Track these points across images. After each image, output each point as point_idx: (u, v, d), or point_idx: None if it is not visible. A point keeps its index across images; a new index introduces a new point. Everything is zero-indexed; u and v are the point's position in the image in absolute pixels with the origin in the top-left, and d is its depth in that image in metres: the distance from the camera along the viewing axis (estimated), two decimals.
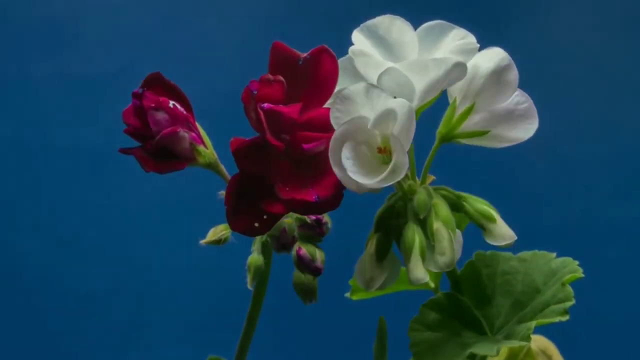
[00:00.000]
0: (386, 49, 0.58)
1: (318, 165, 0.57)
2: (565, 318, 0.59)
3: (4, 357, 1.39)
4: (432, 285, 0.74)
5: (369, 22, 0.59)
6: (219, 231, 0.63)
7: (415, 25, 0.60)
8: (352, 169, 0.54)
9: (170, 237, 1.40)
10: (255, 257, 0.64)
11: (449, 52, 0.57)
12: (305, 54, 0.58)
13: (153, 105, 0.59)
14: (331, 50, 0.59)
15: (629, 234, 1.39)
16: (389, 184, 0.54)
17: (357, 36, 0.58)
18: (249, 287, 0.64)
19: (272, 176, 0.57)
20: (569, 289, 0.60)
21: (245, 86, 0.57)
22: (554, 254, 0.64)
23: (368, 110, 0.55)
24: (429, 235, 0.57)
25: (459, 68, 0.56)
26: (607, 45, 1.44)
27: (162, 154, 0.59)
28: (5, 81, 1.44)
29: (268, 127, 0.56)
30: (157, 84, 0.61)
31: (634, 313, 1.35)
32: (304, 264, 0.63)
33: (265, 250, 0.65)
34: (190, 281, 1.40)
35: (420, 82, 0.56)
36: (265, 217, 0.56)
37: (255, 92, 0.56)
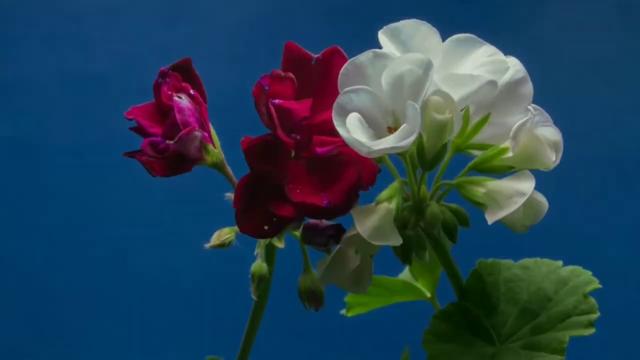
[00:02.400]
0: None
1: (331, 170, 0.55)
2: (592, 331, 0.58)
3: (2, 356, 1.37)
4: (428, 295, 0.73)
5: (393, 25, 0.57)
6: (224, 235, 0.61)
7: None
8: (356, 133, 0.52)
9: (171, 237, 1.39)
10: (258, 265, 0.62)
11: (479, 67, 0.56)
12: (317, 55, 0.58)
13: (175, 91, 0.58)
14: (343, 51, 0.58)
15: (628, 235, 1.37)
16: (399, 144, 0.51)
17: (381, 38, 0.56)
18: (253, 297, 0.63)
19: (283, 176, 0.55)
20: (593, 301, 0.59)
21: (257, 81, 0.56)
22: (560, 262, 0.63)
23: (376, 81, 0.53)
24: (480, 200, 0.55)
25: (491, 86, 0.54)
26: (607, 46, 1.43)
27: (171, 154, 0.58)
28: (6, 81, 1.43)
29: (279, 122, 0.55)
30: (182, 71, 0.60)
31: (635, 314, 1.34)
32: (316, 230, 0.60)
33: (268, 255, 0.63)
34: (190, 281, 1.38)
35: (454, 94, 0.54)
36: (274, 219, 0.55)
37: (267, 88, 0.55)
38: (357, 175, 0.55)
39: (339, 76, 0.54)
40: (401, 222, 0.56)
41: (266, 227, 0.55)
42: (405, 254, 0.57)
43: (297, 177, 0.55)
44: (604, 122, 1.36)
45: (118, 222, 1.40)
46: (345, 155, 0.55)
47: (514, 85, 0.56)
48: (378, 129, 0.54)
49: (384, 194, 0.56)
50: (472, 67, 0.56)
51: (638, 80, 1.42)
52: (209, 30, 1.44)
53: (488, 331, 0.61)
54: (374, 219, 0.55)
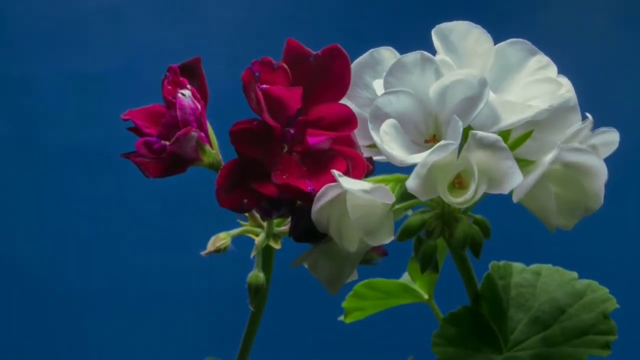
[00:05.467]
0: (456, 57, 0.54)
1: (320, 162, 0.55)
2: (608, 352, 0.57)
3: (3, 356, 1.36)
4: (426, 297, 0.71)
5: (443, 25, 0.55)
6: (219, 240, 0.61)
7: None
8: (389, 143, 0.51)
9: (170, 237, 1.38)
10: (255, 276, 0.61)
11: (532, 85, 0.54)
12: (317, 52, 0.57)
13: (174, 85, 0.58)
14: (343, 50, 0.57)
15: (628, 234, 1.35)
16: (432, 160, 0.50)
17: (433, 36, 0.55)
18: (251, 307, 0.62)
19: (271, 163, 0.55)
20: (613, 322, 0.58)
21: (247, 67, 0.55)
22: (575, 274, 0.61)
23: (422, 84, 0.52)
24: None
25: (544, 113, 0.52)
26: (606, 44, 1.42)
27: (168, 155, 0.57)
28: (6, 80, 1.42)
29: (267, 108, 0.54)
30: (189, 69, 0.59)
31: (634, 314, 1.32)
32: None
33: (266, 257, 0.62)
34: (189, 281, 1.37)
35: (508, 119, 0.52)
36: (255, 195, 0.55)
37: (258, 74, 0.55)
38: (345, 169, 0.54)
39: (385, 75, 0.53)
40: (426, 230, 0.55)
41: (245, 200, 0.54)
42: (425, 262, 0.55)
43: (286, 167, 0.55)
44: (607, 118, 1.34)
45: (117, 221, 1.39)
46: (338, 150, 0.55)
47: (563, 111, 0.55)
48: (415, 134, 0.53)
49: (377, 177, 0.55)
50: (525, 83, 0.54)
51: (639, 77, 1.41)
52: (210, 31, 1.44)
53: (497, 338, 0.60)
54: (363, 184, 0.53)
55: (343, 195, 0.52)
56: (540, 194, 0.52)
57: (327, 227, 0.54)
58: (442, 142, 0.50)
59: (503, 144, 0.50)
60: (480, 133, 0.50)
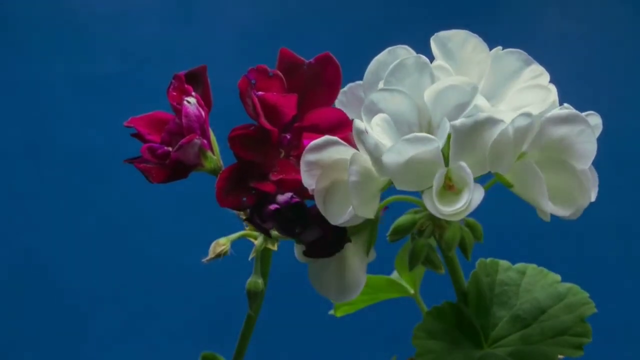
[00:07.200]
0: (453, 64, 0.55)
1: None
2: (580, 354, 0.58)
3: (9, 351, 1.37)
4: (412, 291, 0.72)
5: (442, 33, 0.55)
6: (219, 246, 0.61)
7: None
8: (380, 134, 0.51)
9: (172, 236, 1.39)
10: (254, 282, 0.62)
11: (526, 90, 0.54)
12: (309, 60, 0.58)
13: (179, 93, 0.58)
14: (334, 58, 0.58)
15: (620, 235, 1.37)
16: (412, 153, 0.50)
17: (432, 44, 0.55)
18: (251, 312, 0.63)
19: (269, 165, 0.56)
20: (589, 326, 0.59)
21: (243, 75, 0.56)
22: (559, 277, 0.62)
23: (419, 86, 0.52)
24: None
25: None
26: (596, 48, 1.43)
27: (172, 162, 0.57)
28: (16, 82, 1.42)
29: (264, 114, 0.55)
30: (195, 77, 0.60)
31: (630, 316, 1.34)
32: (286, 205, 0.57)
33: (263, 261, 0.63)
34: (189, 279, 1.37)
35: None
36: (253, 192, 0.55)
37: (254, 82, 0.55)
38: None
39: (386, 74, 0.53)
40: (417, 229, 0.55)
41: (244, 199, 0.55)
42: (414, 260, 0.56)
43: (284, 169, 0.56)
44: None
45: (123, 220, 1.40)
46: None
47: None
48: (407, 134, 0.52)
49: None
50: (517, 90, 0.55)
51: (633, 79, 1.41)
52: (216, 35, 1.43)
53: (478, 334, 0.60)
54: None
55: (347, 160, 0.52)
56: (530, 178, 0.51)
57: (312, 184, 0.53)
58: (421, 134, 0.50)
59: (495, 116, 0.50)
60: (461, 119, 0.50)
